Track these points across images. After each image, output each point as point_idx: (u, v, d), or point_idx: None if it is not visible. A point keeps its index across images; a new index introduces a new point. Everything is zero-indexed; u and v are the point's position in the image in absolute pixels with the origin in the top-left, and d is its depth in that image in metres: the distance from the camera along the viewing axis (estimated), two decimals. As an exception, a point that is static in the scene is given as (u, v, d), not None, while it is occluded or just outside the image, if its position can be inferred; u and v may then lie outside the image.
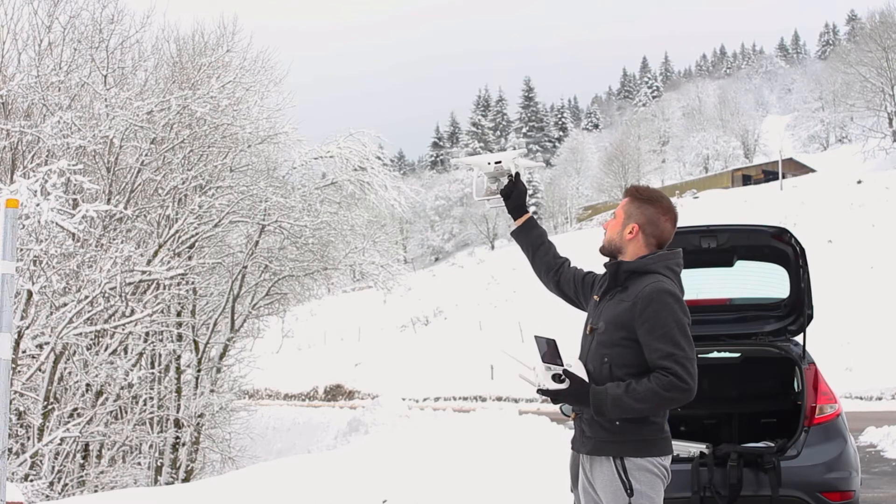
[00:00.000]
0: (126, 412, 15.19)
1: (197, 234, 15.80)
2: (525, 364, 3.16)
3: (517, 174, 3.63)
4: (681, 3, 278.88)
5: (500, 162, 3.64)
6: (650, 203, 3.26)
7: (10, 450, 11.06)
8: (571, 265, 3.60)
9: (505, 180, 3.65)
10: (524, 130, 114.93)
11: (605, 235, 3.33)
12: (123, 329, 13.60)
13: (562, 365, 3.10)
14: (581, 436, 3.23)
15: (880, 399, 19.58)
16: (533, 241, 3.62)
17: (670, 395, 2.99)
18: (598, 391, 3.05)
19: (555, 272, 3.58)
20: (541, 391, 3.14)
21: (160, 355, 16.00)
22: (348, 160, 18.12)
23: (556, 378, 3.08)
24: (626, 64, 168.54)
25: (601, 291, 3.29)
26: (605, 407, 3.03)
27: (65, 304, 12.49)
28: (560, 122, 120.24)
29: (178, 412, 16.22)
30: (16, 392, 11.70)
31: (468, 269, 66.54)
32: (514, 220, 3.65)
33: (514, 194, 3.60)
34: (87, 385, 13.59)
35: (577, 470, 3.30)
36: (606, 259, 3.37)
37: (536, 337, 3.18)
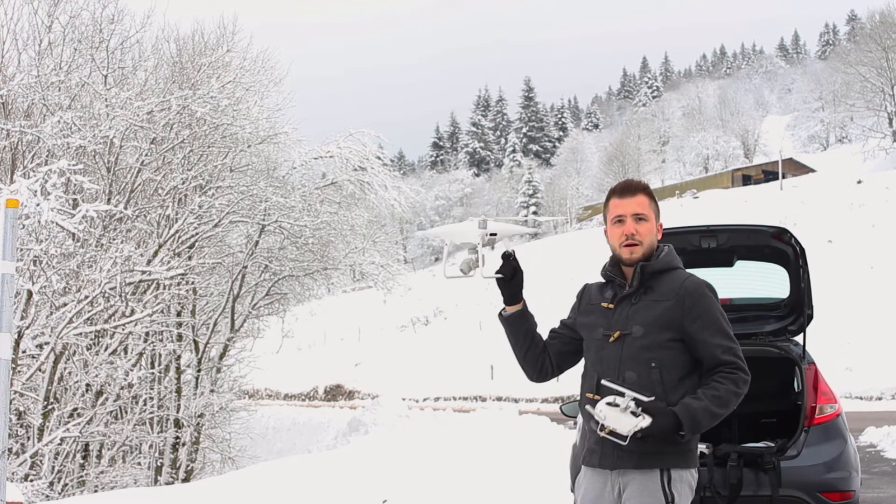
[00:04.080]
0: (126, 412, 15.19)
1: (197, 234, 15.80)
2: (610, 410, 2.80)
3: (514, 252, 3.15)
4: (681, 2, 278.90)
5: (495, 234, 3.12)
6: (653, 195, 3.16)
7: (10, 450, 11.06)
8: (550, 338, 3.27)
9: (483, 252, 3.12)
10: (524, 130, 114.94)
11: (640, 244, 3.03)
12: (123, 329, 13.59)
13: (633, 398, 2.79)
14: (615, 450, 2.92)
15: (880, 399, 19.58)
16: (526, 332, 3.22)
17: (741, 390, 2.89)
18: (685, 412, 2.80)
19: (541, 366, 3.23)
20: (621, 436, 2.82)
21: (160, 355, 15.99)
22: (348, 160, 18.15)
23: (633, 414, 2.78)
24: (626, 64, 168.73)
25: (620, 296, 3.06)
26: (700, 424, 2.81)
27: (65, 304, 12.49)
28: (560, 122, 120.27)
29: (178, 412, 16.22)
30: (16, 392, 11.70)
31: (468, 269, 66.38)
32: (509, 304, 3.20)
33: (517, 276, 3.15)
34: (87, 385, 13.58)
35: (578, 473, 3.23)
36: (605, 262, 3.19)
37: (604, 384, 2.87)
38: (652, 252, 3.06)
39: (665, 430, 2.79)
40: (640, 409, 2.77)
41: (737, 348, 2.93)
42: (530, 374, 3.25)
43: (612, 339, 2.99)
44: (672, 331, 2.93)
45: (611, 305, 3.06)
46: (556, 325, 3.30)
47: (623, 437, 2.80)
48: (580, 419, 3.30)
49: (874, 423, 13.26)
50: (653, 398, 2.81)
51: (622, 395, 2.79)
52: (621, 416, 2.75)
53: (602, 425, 2.82)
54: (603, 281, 3.20)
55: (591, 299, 3.17)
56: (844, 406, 5.57)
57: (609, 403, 2.79)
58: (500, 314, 3.23)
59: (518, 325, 3.20)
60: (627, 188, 3.09)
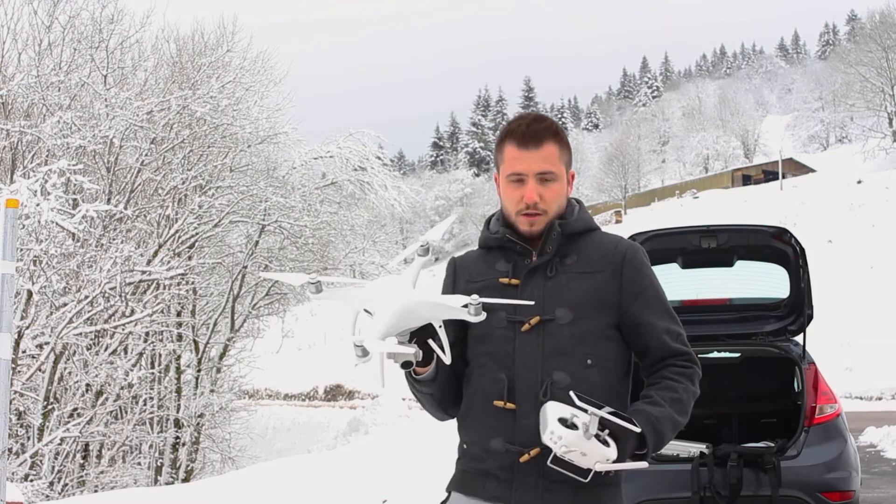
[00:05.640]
0: (126, 412, 15.20)
1: (197, 234, 15.81)
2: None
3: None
4: (681, 2, 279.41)
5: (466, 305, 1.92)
6: (564, 136, 2.21)
7: (10, 450, 11.06)
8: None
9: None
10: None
11: (544, 214, 2.12)
12: (123, 329, 13.60)
13: (604, 414, 1.86)
14: (540, 480, 2.02)
15: (880, 399, 19.60)
16: (447, 376, 2.16)
17: (698, 391, 2.12)
18: (650, 427, 1.96)
19: (458, 396, 2.20)
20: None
21: (160, 355, 16.00)
22: (348, 160, 18.18)
23: (602, 440, 1.84)
24: (626, 63, 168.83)
25: (528, 268, 2.13)
26: (664, 441, 2.02)
27: (65, 304, 12.49)
28: (560, 122, 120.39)
29: (178, 412, 16.22)
30: (16, 392, 11.70)
31: (468, 269, 66.40)
32: (424, 366, 2.07)
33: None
34: (87, 385, 13.59)
35: None
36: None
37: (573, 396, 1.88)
38: (559, 214, 2.16)
39: (627, 454, 1.91)
40: (605, 429, 1.86)
41: (685, 335, 2.17)
42: (452, 411, 2.24)
43: (526, 327, 2.08)
44: (609, 313, 2.10)
45: (515, 281, 2.13)
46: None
47: (585, 473, 1.88)
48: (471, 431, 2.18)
49: (874, 423, 13.25)
50: (595, 412, 1.86)
51: (584, 410, 1.83)
52: (587, 444, 1.81)
53: (554, 456, 1.87)
54: (483, 249, 2.26)
55: (474, 275, 2.20)
56: (844, 406, 5.57)
57: (563, 421, 1.83)
58: (414, 378, 2.12)
59: (440, 378, 2.14)
60: (531, 136, 2.11)
